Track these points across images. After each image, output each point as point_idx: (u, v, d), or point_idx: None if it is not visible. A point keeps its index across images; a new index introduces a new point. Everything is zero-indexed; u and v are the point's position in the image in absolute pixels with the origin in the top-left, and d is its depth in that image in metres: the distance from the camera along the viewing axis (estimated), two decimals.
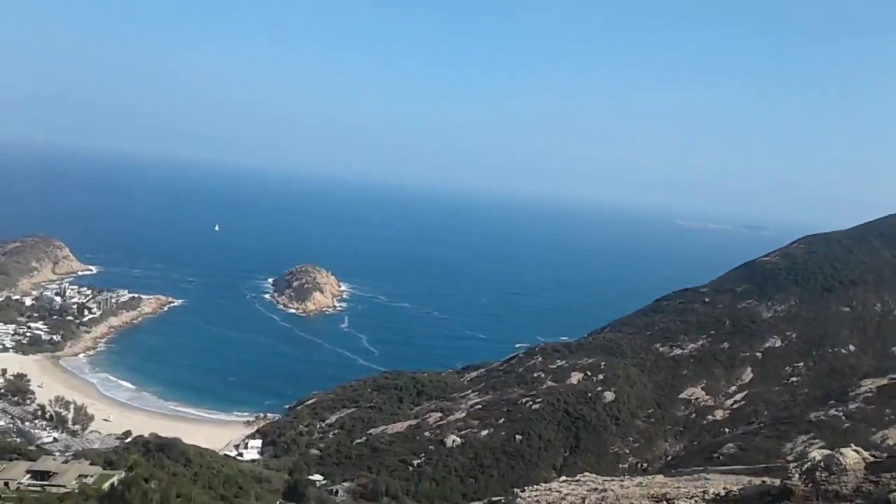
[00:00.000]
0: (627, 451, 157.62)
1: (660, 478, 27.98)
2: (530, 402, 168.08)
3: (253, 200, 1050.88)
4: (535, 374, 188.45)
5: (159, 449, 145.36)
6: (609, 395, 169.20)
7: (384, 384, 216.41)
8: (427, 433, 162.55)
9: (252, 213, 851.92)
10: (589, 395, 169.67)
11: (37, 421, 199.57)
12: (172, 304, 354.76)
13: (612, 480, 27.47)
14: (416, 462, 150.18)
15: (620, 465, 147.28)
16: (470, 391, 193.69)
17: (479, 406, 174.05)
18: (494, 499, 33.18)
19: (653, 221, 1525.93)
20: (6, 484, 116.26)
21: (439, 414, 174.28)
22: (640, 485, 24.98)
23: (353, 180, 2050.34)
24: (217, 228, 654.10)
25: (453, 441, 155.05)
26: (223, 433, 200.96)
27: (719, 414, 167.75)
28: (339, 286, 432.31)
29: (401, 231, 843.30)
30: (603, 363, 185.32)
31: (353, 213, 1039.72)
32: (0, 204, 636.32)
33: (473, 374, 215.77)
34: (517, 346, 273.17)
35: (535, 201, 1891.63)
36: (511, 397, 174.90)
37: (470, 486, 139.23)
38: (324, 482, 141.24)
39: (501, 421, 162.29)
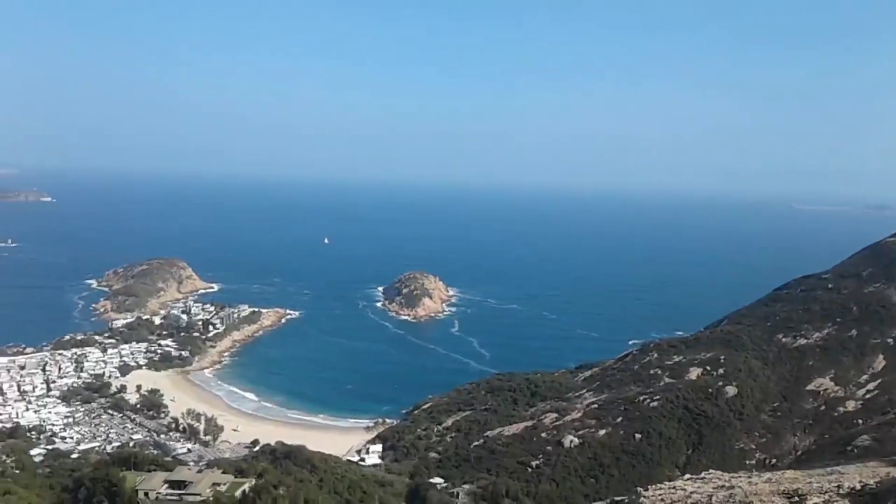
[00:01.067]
0: (753, 446, 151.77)
1: (790, 473, 27.32)
2: (648, 400, 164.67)
3: (355, 211, 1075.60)
4: (652, 371, 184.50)
5: (285, 456, 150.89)
6: (731, 390, 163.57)
7: (498, 386, 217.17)
8: (544, 434, 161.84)
9: (357, 224, 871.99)
10: (710, 390, 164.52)
11: (171, 433, 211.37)
12: (290, 317, 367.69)
13: (740, 477, 27.04)
14: (534, 463, 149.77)
15: (747, 462, 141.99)
16: (585, 391, 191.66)
17: (596, 405, 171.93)
18: (617, 498, 33.09)
19: (768, 207, 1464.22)
20: (146, 494, 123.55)
21: (555, 414, 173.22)
22: (770, 480, 24.50)
23: (444, 185, 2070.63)
24: (326, 241, 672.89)
25: (571, 441, 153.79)
26: (344, 439, 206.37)
27: (851, 405, 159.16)
28: (448, 291, 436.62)
29: (501, 233, 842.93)
30: (722, 357, 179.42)
31: (453, 217, 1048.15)
32: (117, 231, 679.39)
33: (587, 373, 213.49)
34: (631, 343, 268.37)
35: (642, 195, 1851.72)
36: (628, 395, 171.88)
37: (591, 486, 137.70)
38: (444, 485, 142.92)
39: (619, 420, 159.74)
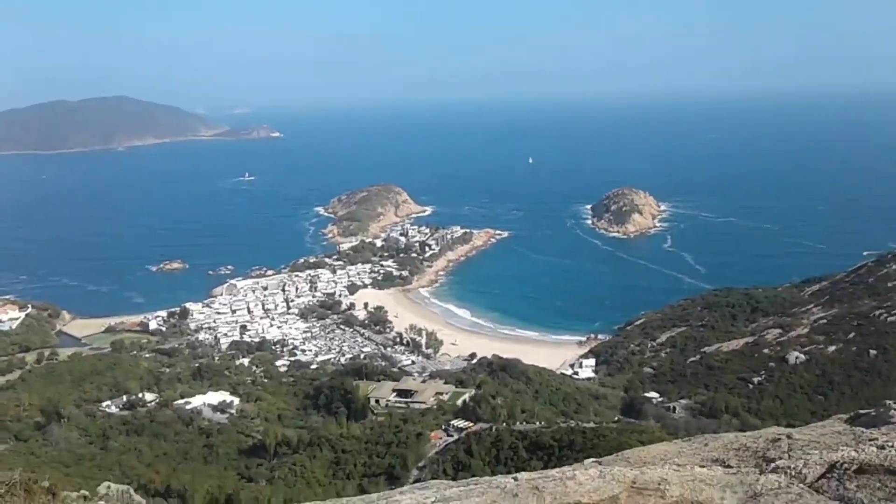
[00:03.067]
0: None
1: None
2: (885, 315, 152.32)
3: (553, 129, 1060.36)
4: (890, 284, 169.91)
5: (502, 369, 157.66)
6: None
7: (714, 302, 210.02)
8: (766, 350, 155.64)
9: (557, 142, 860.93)
10: None
11: (396, 346, 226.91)
12: (500, 236, 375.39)
13: None
14: (755, 380, 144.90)
15: None
16: (812, 305, 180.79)
17: (824, 320, 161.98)
18: (862, 412, 31.99)
19: None
20: (377, 401, 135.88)
21: (778, 330, 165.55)
22: None
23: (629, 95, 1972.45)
24: (531, 160, 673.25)
25: (796, 358, 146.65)
26: (556, 353, 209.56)
27: None
28: (659, 206, 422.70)
29: (715, 142, 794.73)
30: None
31: (656, 126, 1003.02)
32: (339, 159, 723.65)
33: (815, 287, 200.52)
34: (865, 254, 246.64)
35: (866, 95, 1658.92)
36: (861, 310, 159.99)
37: (819, 403, 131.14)
38: (660, 399, 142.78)
39: (851, 336, 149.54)
